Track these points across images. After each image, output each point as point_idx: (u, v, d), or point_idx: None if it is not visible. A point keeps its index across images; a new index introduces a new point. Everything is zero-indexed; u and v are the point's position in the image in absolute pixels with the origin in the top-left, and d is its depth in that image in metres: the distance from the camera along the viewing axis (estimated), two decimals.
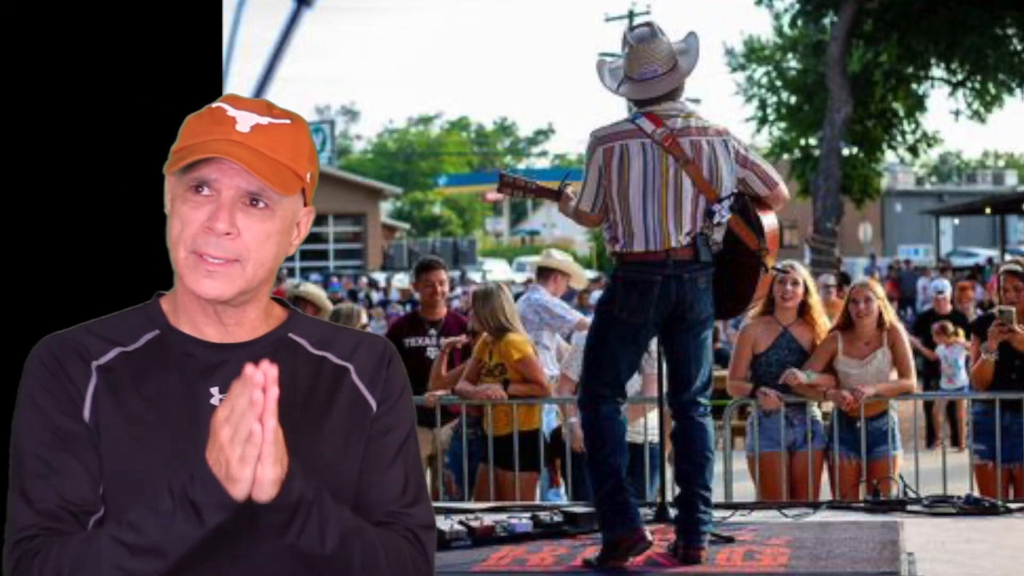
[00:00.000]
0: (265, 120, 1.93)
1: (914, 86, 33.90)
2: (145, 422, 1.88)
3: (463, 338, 8.00)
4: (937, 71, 33.80)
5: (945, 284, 17.87)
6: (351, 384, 1.97)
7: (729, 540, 5.96)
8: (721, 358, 11.02)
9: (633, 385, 6.84)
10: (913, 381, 7.55)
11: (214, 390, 1.90)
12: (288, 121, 1.95)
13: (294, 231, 1.97)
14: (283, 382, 1.89)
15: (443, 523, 6.11)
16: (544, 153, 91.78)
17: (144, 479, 1.83)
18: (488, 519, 6.22)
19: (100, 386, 1.89)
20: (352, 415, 1.96)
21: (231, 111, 1.92)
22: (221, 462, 1.71)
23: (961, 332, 12.36)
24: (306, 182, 1.95)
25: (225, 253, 1.88)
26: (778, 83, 35.47)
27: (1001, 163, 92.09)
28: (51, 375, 1.89)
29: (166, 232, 1.94)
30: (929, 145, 34.99)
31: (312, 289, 9.21)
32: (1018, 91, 33.04)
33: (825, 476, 7.61)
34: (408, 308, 19.33)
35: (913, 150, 34.97)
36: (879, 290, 7.64)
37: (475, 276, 33.78)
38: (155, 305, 1.99)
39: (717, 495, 6.25)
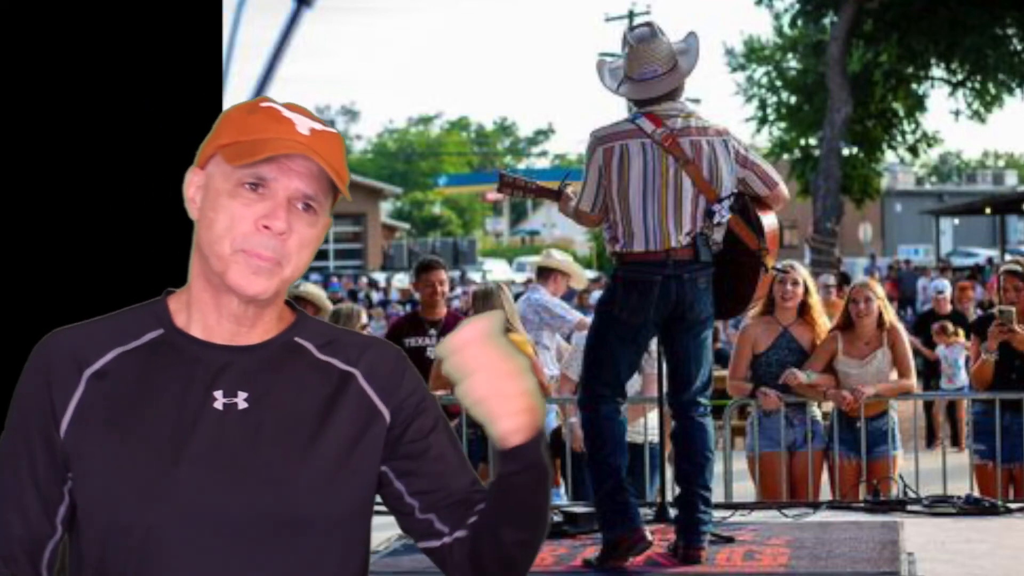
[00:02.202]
0: (318, 126, 1.91)
1: (914, 86, 33.92)
2: (140, 425, 1.85)
3: None
4: (937, 71, 33.82)
5: (945, 284, 17.87)
6: (359, 390, 1.94)
7: (729, 540, 5.96)
8: (721, 358, 11.02)
9: (633, 385, 6.84)
10: (913, 381, 7.55)
11: (217, 394, 1.87)
12: (332, 130, 1.94)
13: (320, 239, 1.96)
14: (287, 386, 1.90)
15: None
16: (544, 153, 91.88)
17: (138, 482, 1.82)
18: None
19: (87, 396, 1.86)
20: (358, 421, 1.92)
21: (286, 112, 1.90)
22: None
23: (961, 332, 12.36)
24: (342, 192, 1.94)
25: (274, 253, 1.86)
26: (778, 83, 35.48)
27: (1001, 163, 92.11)
28: (39, 383, 1.88)
29: (201, 225, 1.90)
30: (929, 145, 35.00)
31: (312, 289, 9.20)
32: (1018, 91, 33.06)
33: (825, 476, 7.61)
34: (408, 308, 19.33)
35: (913, 150, 34.98)
36: (879, 290, 7.64)
37: (475, 276, 33.78)
38: (162, 303, 1.96)
39: (717, 495, 6.25)
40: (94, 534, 1.85)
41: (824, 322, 7.59)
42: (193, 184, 1.93)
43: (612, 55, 8.40)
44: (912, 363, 7.54)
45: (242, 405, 1.87)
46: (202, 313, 1.92)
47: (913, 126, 34.53)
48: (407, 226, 63.30)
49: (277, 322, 1.95)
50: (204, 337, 1.91)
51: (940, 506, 6.75)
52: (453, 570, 1.94)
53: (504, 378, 1.76)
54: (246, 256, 1.85)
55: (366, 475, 1.93)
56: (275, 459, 1.85)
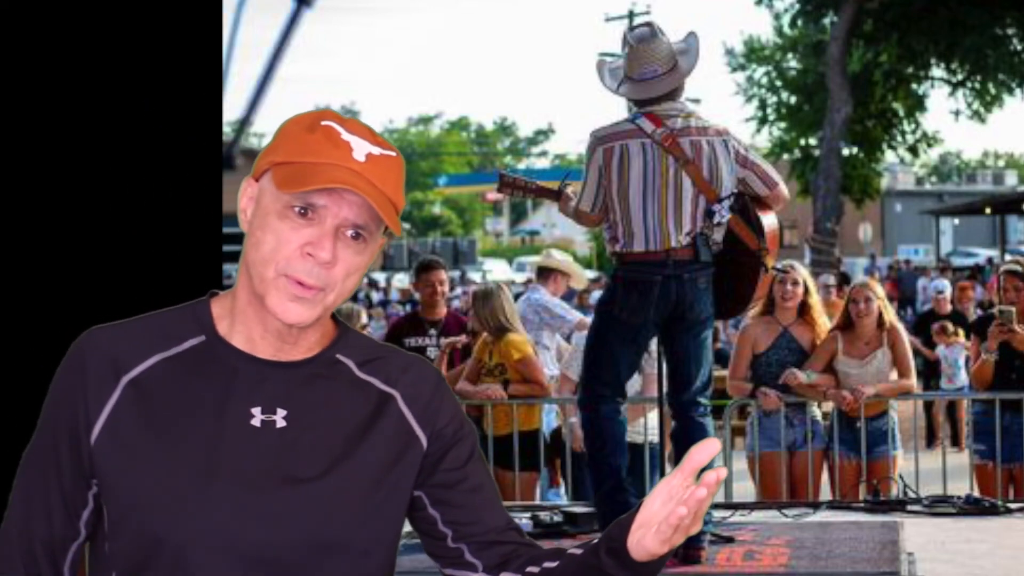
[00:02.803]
0: (377, 151, 1.85)
1: (914, 86, 33.92)
2: (176, 436, 1.82)
3: (463, 338, 8.00)
4: (937, 71, 33.82)
5: (945, 284, 17.87)
6: (398, 412, 1.91)
7: (729, 540, 5.96)
8: (721, 358, 11.02)
9: (633, 385, 6.84)
10: (913, 381, 7.55)
11: (256, 410, 1.84)
12: (394, 154, 1.88)
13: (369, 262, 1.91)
14: (326, 406, 1.87)
15: None
16: (544, 153, 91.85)
17: (172, 496, 1.78)
18: None
19: (122, 403, 1.83)
20: (395, 444, 1.89)
21: (345, 135, 1.84)
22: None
23: (961, 332, 12.36)
24: (396, 220, 1.88)
25: (318, 282, 1.81)
26: (778, 83, 35.48)
27: (1001, 163, 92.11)
28: (73, 384, 1.84)
29: (249, 241, 1.85)
30: (929, 145, 35.01)
31: None
32: (1018, 91, 33.06)
33: (825, 476, 7.61)
34: (408, 308, 19.33)
35: (913, 150, 34.99)
36: (879, 290, 7.64)
37: (475, 276, 33.77)
38: (205, 306, 1.91)
39: (717, 495, 6.21)
40: (127, 543, 1.81)
41: (824, 322, 7.59)
42: (246, 195, 1.88)
43: (612, 55, 8.40)
44: (912, 363, 7.54)
45: (280, 423, 1.84)
46: (245, 325, 1.88)
47: (913, 126, 34.54)
48: (407, 226, 63.31)
49: (320, 338, 1.91)
50: (246, 349, 1.87)
51: (940, 506, 6.74)
52: None
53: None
54: (287, 281, 1.81)
55: (400, 500, 1.90)
56: (311, 481, 1.82)
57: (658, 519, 1.77)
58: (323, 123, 1.85)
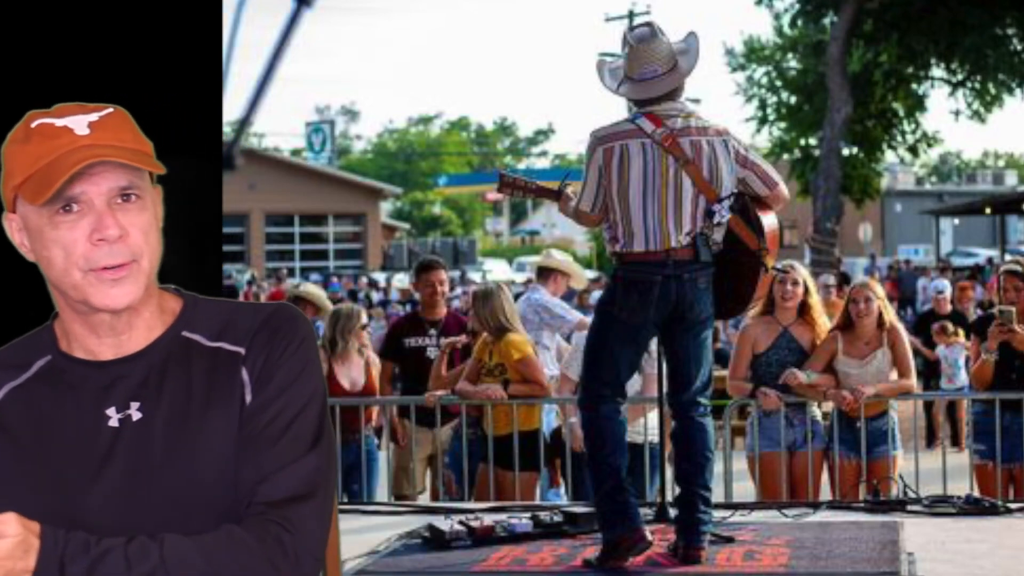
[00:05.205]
0: (95, 116, 1.86)
1: (914, 86, 33.87)
2: (36, 456, 1.84)
3: (463, 338, 7.99)
4: (937, 71, 33.78)
5: (945, 284, 17.85)
6: (238, 370, 1.90)
7: (729, 540, 5.95)
8: (721, 358, 11.02)
9: (633, 385, 6.84)
10: (913, 381, 7.55)
11: (110, 411, 1.86)
12: (111, 109, 1.88)
13: (159, 216, 1.90)
14: (177, 383, 1.87)
15: (443, 523, 6.11)
16: (544, 153, 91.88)
17: (45, 509, 1.78)
18: (488, 519, 6.22)
19: None
20: (236, 401, 1.88)
21: (58, 122, 1.84)
22: None
23: (961, 332, 12.35)
24: (154, 161, 1.89)
25: (123, 258, 1.82)
26: (778, 83, 35.43)
27: (1001, 163, 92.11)
28: None
29: (43, 267, 1.85)
30: (929, 145, 34.96)
31: (312, 289, 9.22)
32: (1018, 91, 33.01)
33: (825, 476, 7.61)
34: (408, 308, 19.32)
35: (913, 150, 34.95)
36: (879, 290, 7.64)
37: (475, 276, 33.76)
38: (48, 329, 1.94)
39: (717, 495, 6.25)
40: None
41: (824, 322, 7.59)
42: (14, 231, 1.89)
43: (612, 55, 8.40)
44: (912, 363, 7.53)
45: (136, 416, 1.86)
46: (80, 340, 1.90)
47: (913, 126, 34.49)
48: (407, 226, 63.27)
49: (160, 316, 1.92)
50: (89, 358, 1.89)
51: (940, 506, 6.74)
52: None
53: None
54: (98, 275, 1.82)
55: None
56: (167, 462, 1.84)
57: None
58: (33, 125, 1.85)
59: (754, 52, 35.46)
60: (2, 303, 2.98)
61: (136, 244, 1.83)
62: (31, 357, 1.91)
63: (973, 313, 13.46)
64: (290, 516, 1.82)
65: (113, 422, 1.85)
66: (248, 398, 1.88)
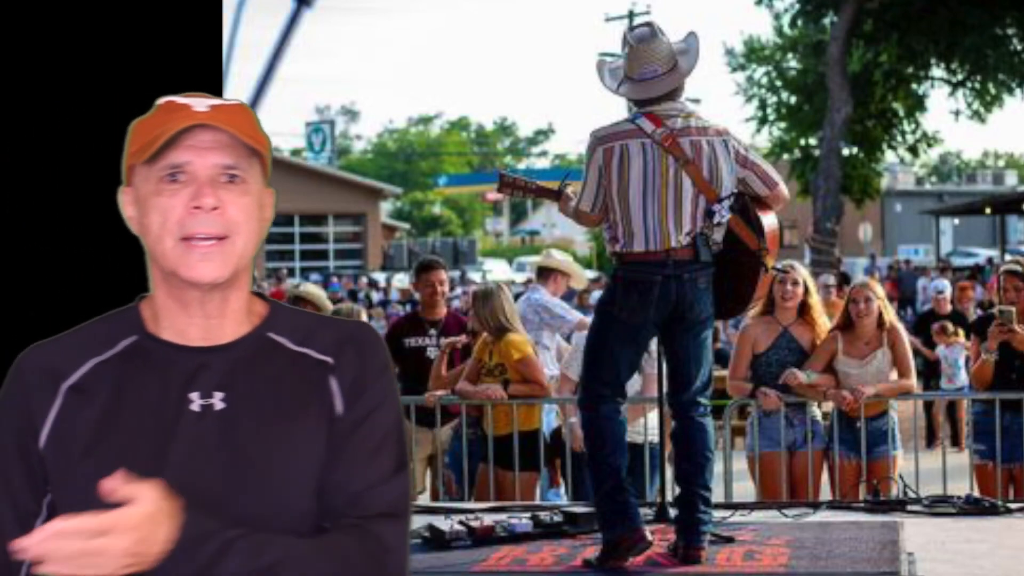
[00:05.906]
0: (219, 101, 1.91)
1: (914, 86, 33.88)
2: (118, 433, 1.85)
3: (463, 338, 8.00)
4: (937, 71, 33.78)
5: (945, 284, 17.85)
6: (328, 381, 1.92)
7: (729, 540, 5.96)
8: (721, 358, 11.02)
9: (633, 385, 6.84)
10: (913, 381, 7.55)
11: (194, 395, 1.87)
12: (237, 102, 1.94)
13: (264, 212, 1.94)
14: (264, 381, 1.89)
15: (443, 523, 6.11)
16: (544, 153, 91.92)
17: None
18: (488, 519, 6.22)
19: (67, 408, 1.87)
20: (324, 411, 1.90)
21: (181, 100, 1.90)
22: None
23: (961, 332, 12.36)
24: (267, 159, 1.93)
25: (216, 229, 1.85)
26: (778, 83, 35.44)
27: (1001, 163, 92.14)
28: (17, 399, 1.89)
29: (142, 233, 1.89)
30: (929, 145, 34.97)
31: (312, 289, 9.20)
32: (1018, 91, 33.02)
33: (825, 476, 7.61)
34: (408, 308, 19.33)
35: (913, 150, 34.96)
36: (879, 290, 7.64)
37: (475, 276, 33.76)
38: (134, 310, 1.96)
39: (717, 495, 6.25)
40: None
41: (824, 322, 7.59)
42: (126, 203, 1.93)
43: (612, 55, 8.40)
44: (912, 363, 7.54)
45: (219, 406, 1.87)
46: (171, 319, 1.92)
47: (913, 126, 34.50)
48: (407, 226, 63.28)
49: (248, 315, 1.95)
50: (177, 341, 1.91)
51: (940, 506, 6.74)
52: None
53: None
54: (188, 244, 1.85)
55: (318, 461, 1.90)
56: (255, 456, 1.85)
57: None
58: (159, 102, 1.92)
59: (754, 52, 35.47)
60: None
61: (231, 220, 1.86)
62: (116, 335, 1.93)
63: (973, 313, 13.47)
64: (385, 533, 1.86)
65: (195, 407, 1.86)
66: (339, 409, 1.90)
